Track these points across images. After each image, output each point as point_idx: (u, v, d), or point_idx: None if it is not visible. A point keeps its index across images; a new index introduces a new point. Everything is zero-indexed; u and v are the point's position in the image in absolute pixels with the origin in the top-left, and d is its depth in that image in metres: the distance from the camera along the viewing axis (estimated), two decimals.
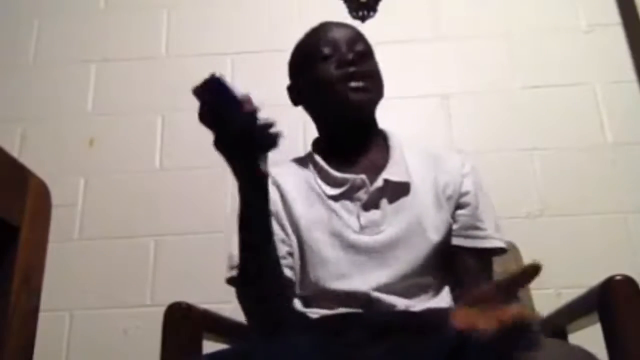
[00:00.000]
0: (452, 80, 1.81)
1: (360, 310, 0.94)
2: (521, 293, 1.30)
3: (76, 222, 1.73)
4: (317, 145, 1.11)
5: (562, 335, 1.18)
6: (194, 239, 1.70)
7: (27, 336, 1.56)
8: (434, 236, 1.00)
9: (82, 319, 1.62)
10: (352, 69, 1.01)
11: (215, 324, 1.15)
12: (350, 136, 1.06)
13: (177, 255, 1.68)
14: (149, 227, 1.71)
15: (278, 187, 1.05)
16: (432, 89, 1.81)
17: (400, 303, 0.95)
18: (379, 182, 1.01)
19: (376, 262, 0.97)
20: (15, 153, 1.73)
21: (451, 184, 1.04)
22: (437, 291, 1.00)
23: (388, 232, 0.99)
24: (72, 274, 1.67)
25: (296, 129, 1.70)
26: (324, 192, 1.03)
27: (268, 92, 1.81)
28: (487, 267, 1.05)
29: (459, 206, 1.04)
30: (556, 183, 1.67)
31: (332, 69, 1.02)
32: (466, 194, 1.04)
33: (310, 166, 1.07)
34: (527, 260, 1.35)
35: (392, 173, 1.03)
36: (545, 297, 1.43)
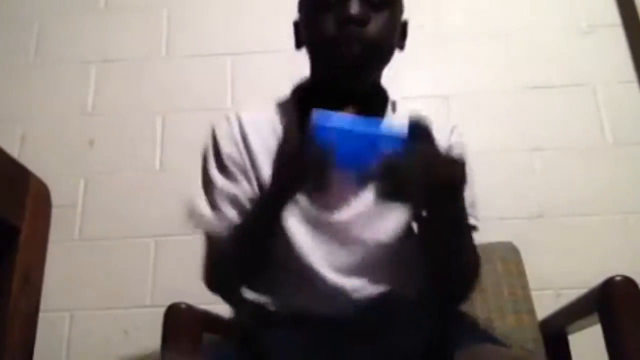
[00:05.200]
0: (452, 81, 1.81)
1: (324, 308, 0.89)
2: (520, 293, 1.30)
3: (76, 222, 1.73)
4: (300, 91, 1.01)
5: (563, 336, 1.19)
6: (194, 239, 1.69)
7: (27, 336, 1.57)
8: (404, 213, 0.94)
9: (82, 319, 1.62)
10: (353, 30, 0.88)
11: (215, 325, 1.15)
12: (340, 93, 0.94)
13: (177, 255, 1.68)
14: (149, 227, 1.71)
15: (245, 139, 0.97)
16: (432, 90, 1.81)
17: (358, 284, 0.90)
18: None
19: (340, 237, 0.92)
20: (15, 153, 1.73)
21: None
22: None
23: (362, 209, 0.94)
24: (72, 274, 1.67)
25: None
26: None
27: (268, 92, 1.82)
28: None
29: None
30: (556, 183, 1.67)
31: (330, 24, 0.90)
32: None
33: (286, 119, 0.97)
34: (527, 260, 1.35)
35: None
36: (546, 298, 1.43)
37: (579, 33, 1.84)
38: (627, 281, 0.96)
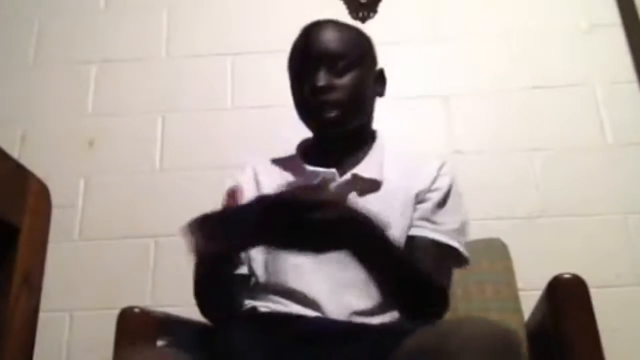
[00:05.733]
0: (452, 81, 1.81)
1: (308, 314, 0.92)
2: (505, 292, 1.29)
3: (76, 222, 1.73)
4: (303, 146, 1.14)
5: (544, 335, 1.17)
6: None
7: (27, 336, 1.57)
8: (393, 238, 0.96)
9: (82, 319, 1.62)
10: (323, 98, 1.01)
11: (172, 328, 1.13)
12: (331, 141, 1.08)
13: (177, 255, 1.68)
14: (149, 227, 1.71)
15: (257, 183, 1.09)
16: (432, 90, 1.80)
17: (351, 305, 0.93)
18: (347, 176, 1.03)
19: (334, 256, 0.95)
20: (15, 153, 1.73)
21: (423, 187, 1.03)
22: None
23: None
24: (72, 274, 1.67)
25: (297, 129, 1.70)
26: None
27: (268, 92, 1.83)
28: (440, 261, 0.98)
29: (421, 201, 1.02)
30: (556, 183, 1.67)
31: (305, 92, 1.04)
32: (434, 190, 1.03)
33: (290, 165, 1.10)
34: (517, 260, 1.35)
35: (363, 169, 1.04)
36: None
37: (579, 33, 1.84)
38: (574, 280, 0.95)
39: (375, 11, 1.91)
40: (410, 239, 0.99)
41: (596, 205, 1.63)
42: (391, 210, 0.99)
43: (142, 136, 1.82)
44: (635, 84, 1.76)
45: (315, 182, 1.02)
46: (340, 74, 1.03)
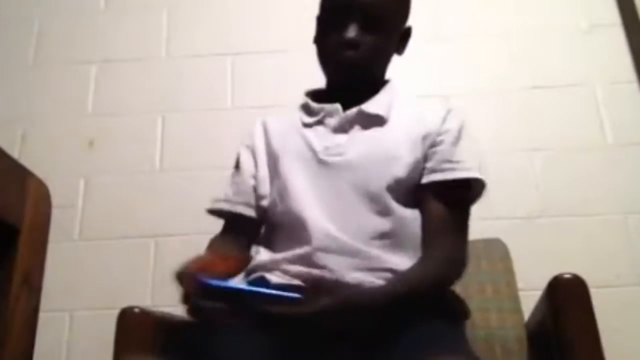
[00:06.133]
0: (452, 81, 1.81)
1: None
2: (504, 291, 1.30)
3: (76, 222, 1.73)
4: (312, 91, 1.13)
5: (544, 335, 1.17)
6: (194, 239, 1.69)
7: (27, 336, 1.57)
8: (400, 171, 0.97)
9: (82, 319, 1.62)
10: (348, 53, 1.01)
11: (172, 328, 1.12)
12: (342, 85, 1.08)
13: (177, 255, 1.67)
14: (149, 227, 1.71)
15: (266, 127, 1.11)
16: (432, 90, 1.80)
17: (346, 263, 0.90)
18: (352, 111, 1.03)
19: (334, 191, 0.96)
20: (15, 153, 1.73)
21: (433, 129, 1.01)
22: (397, 245, 0.94)
23: (349, 155, 0.99)
24: (72, 274, 1.67)
25: None
26: (301, 121, 1.06)
27: (268, 92, 1.83)
28: (460, 215, 0.98)
29: (434, 144, 1.00)
30: (556, 183, 1.67)
31: (332, 42, 1.03)
32: (445, 132, 1.01)
33: (300, 108, 1.11)
34: (517, 260, 1.35)
35: (369, 106, 1.04)
36: None
37: (579, 33, 1.84)
38: (575, 280, 0.95)
39: None
40: (428, 195, 0.98)
41: (596, 205, 1.63)
42: (397, 144, 0.99)
43: (142, 136, 1.82)
44: (635, 84, 1.76)
45: (319, 117, 1.04)
46: (370, 30, 1.02)
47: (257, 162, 1.08)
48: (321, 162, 0.99)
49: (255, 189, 1.07)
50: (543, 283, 1.03)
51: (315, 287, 0.83)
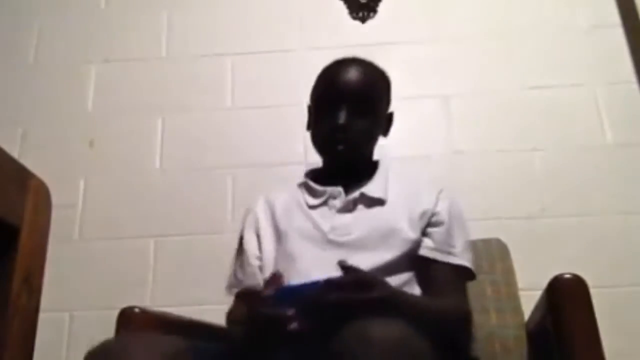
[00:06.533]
0: (452, 81, 1.81)
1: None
2: (504, 291, 1.30)
3: (76, 222, 1.73)
4: (310, 172, 1.24)
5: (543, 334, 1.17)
6: (194, 240, 1.70)
7: (27, 336, 1.57)
8: (403, 245, 1.07)
9: (82, 319, 1.62)
10: (340, 136, 1.11)
11: (171, 328, 1.13)
12: (337, 168, 1.19)
13: (177, 255, 1.68)
14: (149, 227, 1.71)
15: (270, 205, 1.19)
16: (432, 90, 1.80)
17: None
18: (355, 194, 1.13)
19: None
20: (15, 153, 1.73)
21: (427, 208, 1.11)
22: None
23: (356, 234, 1.08)
24: (72, 274, 1.67)
25: (296, 129, 1.70)
26: (306, 203, 1.16)
27: (268, 92, 1.83)
28: (456, 283, 1.09)
29: (430, 224, 1.11)
30: (556, 183, 1.67)
31: (325, 128, 1.14)
32: (438, 213, 1.11)
33: (301, 187, 1.20)
34: (517, 260, 1.35)
35: (369, 189, 1.14)
36: None
37: (579, 33, 1.84)
38: (575, 280, 0.95)
39: (375, 11, 1.91)
40: (429, 264, 1.08)
41: (596, 205, 1.63)
42: (398, 221, 1.09)
43: (142, 136, 1.82)
44: (635, 85, 1.75)
45: (323, 199, 1.14)
46: (359, 115, 1.12)
47: (262, 242, 1.16)
48: (330, 242, 1.08)
49: (260, 268, 1.13)
50: (543, 283, 1.03)
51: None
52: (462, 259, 1.09)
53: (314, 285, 0.83)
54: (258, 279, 1.11)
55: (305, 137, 1.72)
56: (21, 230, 1.58)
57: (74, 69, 1.92)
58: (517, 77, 1.79)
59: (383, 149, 1.24)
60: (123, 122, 1.84)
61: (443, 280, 1.06)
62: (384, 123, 1.22)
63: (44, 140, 1.83)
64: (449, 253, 1.09)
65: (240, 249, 1.18)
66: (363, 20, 1.90)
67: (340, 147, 1.13)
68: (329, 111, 1.13)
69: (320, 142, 1.18)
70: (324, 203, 1.14)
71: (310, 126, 1.22)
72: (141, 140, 1.82)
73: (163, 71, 1.90)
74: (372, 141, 1.20)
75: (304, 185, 1.19)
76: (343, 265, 0.87)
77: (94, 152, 1.81)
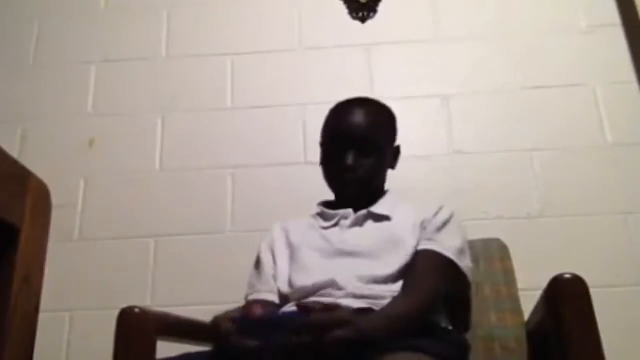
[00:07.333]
0: (452, 81, 1.81)
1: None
2: (504, 292, 1.30)
3: (76, 222, 1.73)
4: (324, 203, 1.31)
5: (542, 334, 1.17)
6: (194, 239, 1.70)
7: (27, 336, 1.57)
8: (407, 253, 1.13)
9: (82, 319, 1.62)
10: (349, 175, 1.20)
11: (172, 328, 1.14)
12: (351, 199, 1.26)
13: (177, 255, 1.68)
14: (149, 227, 1.71)
15: (285, 230, 1.28)
16: (432, 90, 1.80)
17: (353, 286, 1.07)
18: (363, 212, 1.21)
19: (348, 268, 1.11)
20: (15, 153, 1.73)
21: (427, 217, 1.18)
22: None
23: (364, 244, 1.15)
24: (72, 274, 1.67)
25: (296, 129, 1.70)
26: (320, 226, 1.24)
27: (268, 92, 1.83)
28: (434, 270, 1.11)
29: (426, 227, 1.17)
30: (556, 183, 1.67)
31: (333, 167, 1.24)
32: (434, 219, 1.17)
33: (315, 216, 1.28)
34: (517, 260, 1.35)
35: (377, 208, 1.22)
36: None
37: (579, 33, 1.84)
38: (575, 280, 0.95)
39: (375, 11, 1.91)
40: (417, 253, 1.14)
41: (596, 205, 1.63)
42: (402, 230, 1.17)
43: (142, 136, 1.82)
44: (635, 84, 1.76)
45: (335, 220, 1.22)
46: (365, 155, 1.20)
47: (276, 259, 1.25)
48: (339, 251, 1.16)
49: (274, 278, 1.23)
50: (543, 283, 1.02)
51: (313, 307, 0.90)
52: (444, 249, 1.12)
53: (283, 321, 0.86)
54: (271, 286, 1.21)
55: (305, 137, 1.73)
56: (21, 230, 1.58)
57: (74, 69, 1.92)
58: (517, 77, 1.79)
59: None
60: (123, 122, 1.84)
61: (419, 265, 1.11)
62: (391, 157, 1.29)
63: (44, 140, 1.83)
64: (430, 239, 1.14)
65: (258, 264, 1.28)
66: (363, 20, 1.90)
67: (349, 186, 1.22)
68: (338, 152, 1.21)
69: (330, 180, 1.27)
70: (336, 224, 1.23)
71: (322, 162, 1.29)
72: (141, 140, 1.82)
73: (163, 71, 1.90)
74: (380, 175, 1.28)
75: (318, 213, 1.28)
76: (300, 305, 0.90)
77: (94, 152, 1.81)
